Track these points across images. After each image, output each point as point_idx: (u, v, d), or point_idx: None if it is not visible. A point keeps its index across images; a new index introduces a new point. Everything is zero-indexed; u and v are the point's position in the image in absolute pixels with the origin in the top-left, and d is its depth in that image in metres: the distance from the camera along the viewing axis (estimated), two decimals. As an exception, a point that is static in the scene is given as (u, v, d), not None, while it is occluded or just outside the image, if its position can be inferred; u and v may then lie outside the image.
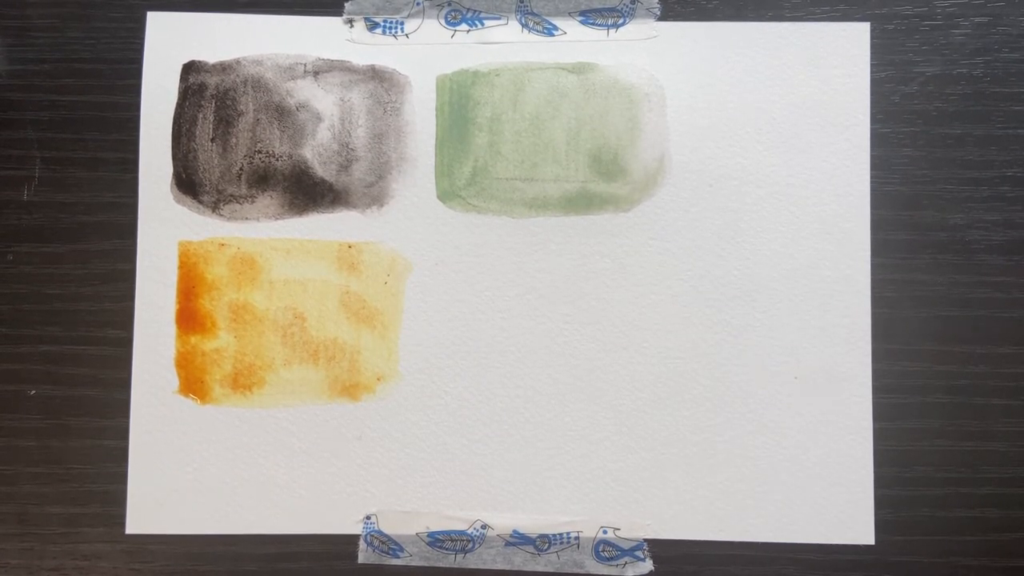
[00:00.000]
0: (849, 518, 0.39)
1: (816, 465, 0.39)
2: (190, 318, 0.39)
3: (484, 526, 0.39)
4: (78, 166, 0.40)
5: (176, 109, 0.40)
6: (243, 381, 0.39)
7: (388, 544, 0.39)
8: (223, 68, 0.40)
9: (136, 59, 0.40)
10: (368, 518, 0.39)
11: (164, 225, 0.40)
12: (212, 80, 0.40)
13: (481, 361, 0.39)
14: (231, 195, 0.40)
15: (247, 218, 0.40)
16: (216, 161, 0.40)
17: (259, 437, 0.39)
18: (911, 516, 0.39)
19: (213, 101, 0.40)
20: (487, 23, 0.40)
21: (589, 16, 0.40)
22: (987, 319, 0.39)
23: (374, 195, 0.40)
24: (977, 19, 0.40)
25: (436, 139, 0.40)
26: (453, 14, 0.40)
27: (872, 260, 0.39)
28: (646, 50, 0.40)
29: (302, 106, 0.40)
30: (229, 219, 0.40)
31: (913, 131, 0.40)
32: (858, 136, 0.40)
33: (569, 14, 0.40)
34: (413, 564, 0.39)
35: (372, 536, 0.39)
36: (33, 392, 0.40)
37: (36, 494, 0.40)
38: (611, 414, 0.39)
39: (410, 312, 0.40)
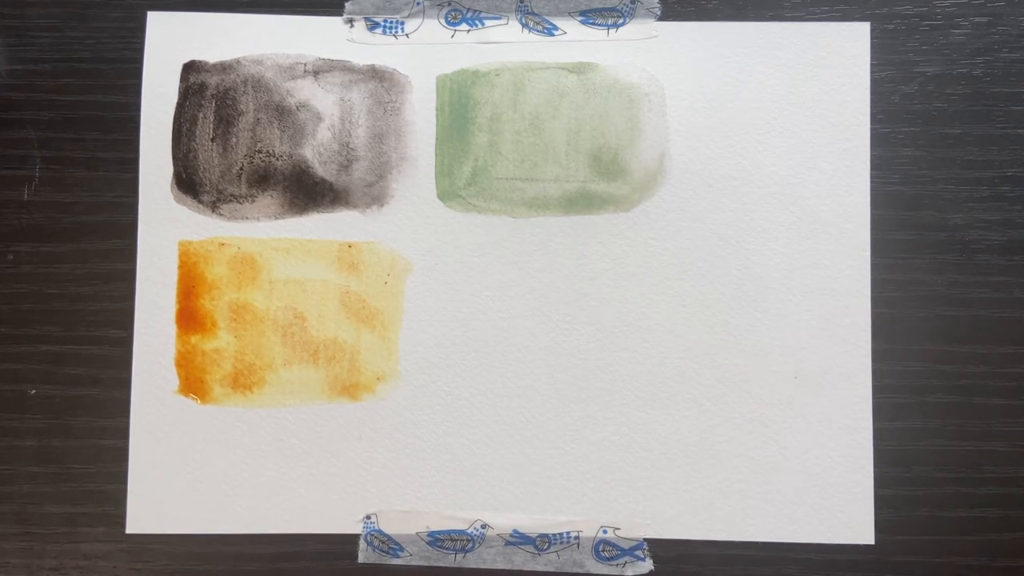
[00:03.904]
0: (849, 518, 0.39)
1: (816, 465, 0.39)
2: (190, 318, 0.39)
3: (484, 526, 0.39)
4: (78, 166, 0.40)
5: (176, 109, 0.40)
6: (243, 381, 0.39)
7: (388, 544, 0.39)
8: (223, 68, 0.40)
9: (136, 59, 0.40)
10: (368, 518, 0.39)
11: (164, 225, 0.40)
12: (212, 80, 0.40)
13: (481, 361, 0.39)
14: (231, 195, 0.40)
15: (247, 218, 0.40)
16: (216, 161, 0.40)
17: (259, 437, 0.39)
18: (911, 516, 0.39)
19: (213, 101, 0.40)
20: (487, 23, 0.40)
21: (589, 16, 0.40)
22: (987, 319, 0.39)
23: (374, 195, 0.40)
24: (977, 19, 0.40)
25: (436, 139, 0.40)
26: (453, 14, 0.40)
27: (872, 260, 0.39)
28: (646, 50, 0.40)
29: (302, 106, 0.40)
30: (229, 219, 0.40)
31: (913, 131, 0.40)
32: (858, 136, 0.40)
33: (569, 14, 0.40)
34: (413, 564, 0.39)
35: (372, 536, 0.39)
36: (33, 392, 0.40)
37: (36, 494, 0.40)
38: (611, 414, 0.39)
39: (410, 312, 0.40)
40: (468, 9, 0.40)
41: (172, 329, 0.39)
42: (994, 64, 0.40)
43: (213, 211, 0.40)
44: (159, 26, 0.40)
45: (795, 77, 0.40)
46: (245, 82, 0.40)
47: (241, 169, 0.40)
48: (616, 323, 0.39)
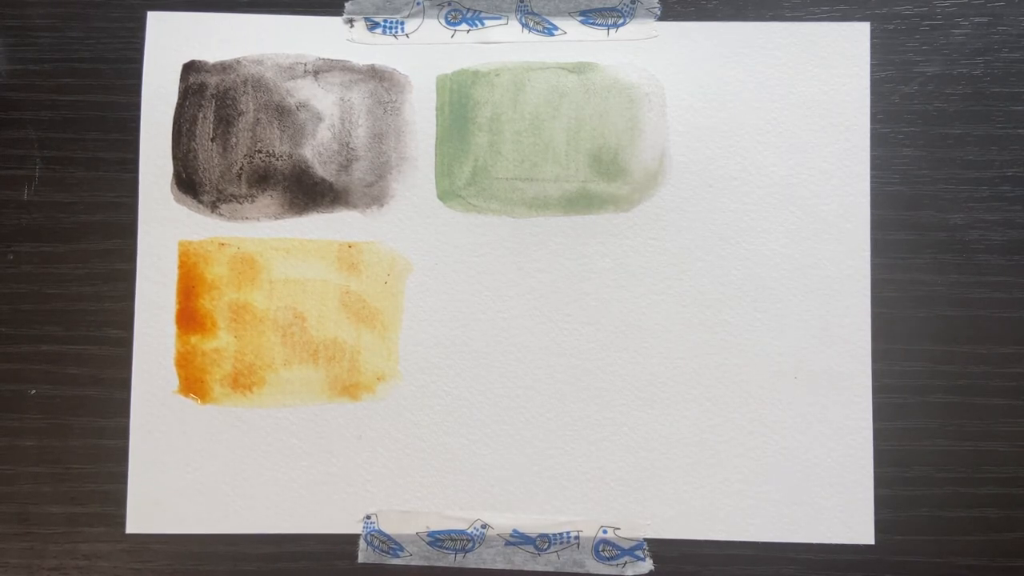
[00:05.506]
0: (849, 518, 0.39)
1: (816, 465, 0.39)
2: (190, 318, 0.39)
3: (484, 526, 0.39)
4: (78, 166, 0.40)
5: (176, 109, 0.40)
6: (243, 381, 0.39)
7: (388, 544, 0.39)
8: (223, 68, 0.40)
9: (136, 59, 0.40)
10: (368, 518, 0.39)
11: (164, 225, 0.40)
12: (212, 80, 0.40)
13: (481, 361, 0.39)
14: (231, 195, 0.40)
15: (247, 218, 0.40)
16: (216, 161, 0.40)
17: (259, 437, 0.39)
18: (911, 516, 0.39)
19: (213, 101, 0.40)
20: (487, 23, 0.40)
21: (589, 16, 0.40)
22: (987, 319, 0.39)
23: (374, 195, 0.40)
24: (977, 19, 0.40)
25: (436, 139, 0.40)
26: (453, 14, 0.40)
27: (872, 260, 0.39)
28: (646, 50, 0.40)
29: (302, 106, 0.40)
30: (229, 219, 0.40)
31: (913, 131, 0.40)
32: (858, 136, 0.40)
33: (569, 14, 0.40)
34: (413, 564, 0.39)
35: (372, 536, 0.39)
36: (33, 392, 0.40)
37: (36, 494, 0.40)
38: (611, 414, 0.39)
39: (410, 312, 0.40)
40: (468, 9, 0.40)
41: (172, 329, 0.39)
42: (994, 64, 0.40)
43: (213, 211, 0.40)
44: (159, 26, 0.40)
45: (795, 77, 0.40)
46: (245, 82, 0.40)
47: (241, 169, 0.40)
48: (616, 323, 0.39)
